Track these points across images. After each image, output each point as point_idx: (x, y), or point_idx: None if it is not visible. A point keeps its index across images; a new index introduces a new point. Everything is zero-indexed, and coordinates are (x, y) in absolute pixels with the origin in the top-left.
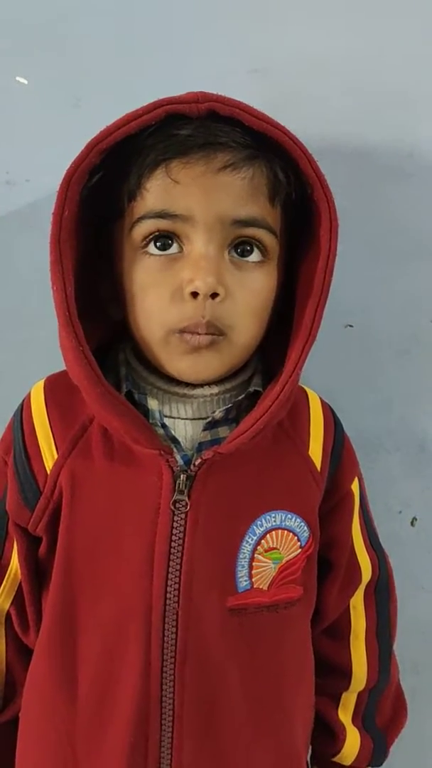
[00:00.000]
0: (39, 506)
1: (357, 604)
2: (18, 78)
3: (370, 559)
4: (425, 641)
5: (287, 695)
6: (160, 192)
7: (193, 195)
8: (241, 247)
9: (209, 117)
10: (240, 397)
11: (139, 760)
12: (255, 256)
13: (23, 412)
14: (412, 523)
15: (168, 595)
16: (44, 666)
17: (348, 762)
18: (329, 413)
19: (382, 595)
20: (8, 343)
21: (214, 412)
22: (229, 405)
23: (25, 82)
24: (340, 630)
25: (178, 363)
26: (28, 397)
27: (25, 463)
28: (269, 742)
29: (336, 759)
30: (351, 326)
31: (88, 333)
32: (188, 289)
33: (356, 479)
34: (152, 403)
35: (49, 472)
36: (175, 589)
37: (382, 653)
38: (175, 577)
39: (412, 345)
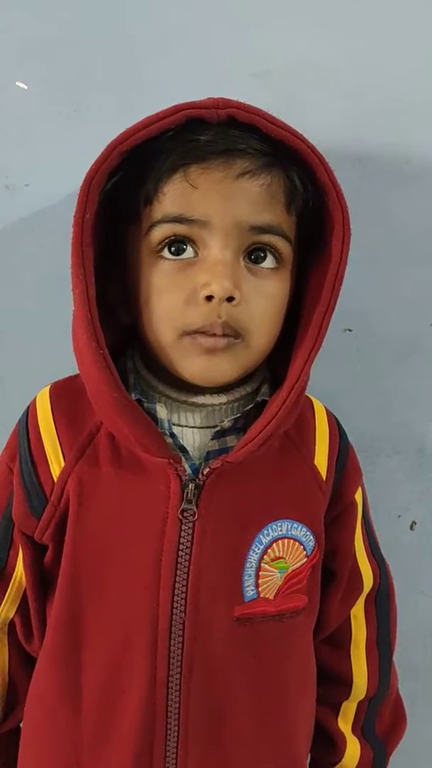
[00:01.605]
0: (45, 514)
1: (358, 613)
2: (17, 83)
3: (372, 568)
4: (425, 646)
5: (291, 704)
6: (177, 196)
7: (211, 200)
8: (256, 253)
9: (228, 123)
10: (248, 407)
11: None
12: (269, 262)
13: (29, 418)
14: (411, 527)
15: (175, 605)
16: (48, 675)
17: None
18: (334, 423)
19: (382, 604)
20: (8, 347)
21: (222, 421)
22: (238, 414)
23: (25, 87)
24: (341, 639)
25: (190, 365)
26: (33, 403)
27: (32, 470)
28: (273, 751)
29: None
30: (350, 330)
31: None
32: (204, 292)
33: (359, 489)
34: (161, 412)
35: (56, 479)
36: (182, 599)
37: (383, 662)
38: (182, 586)
39: (411, 349)
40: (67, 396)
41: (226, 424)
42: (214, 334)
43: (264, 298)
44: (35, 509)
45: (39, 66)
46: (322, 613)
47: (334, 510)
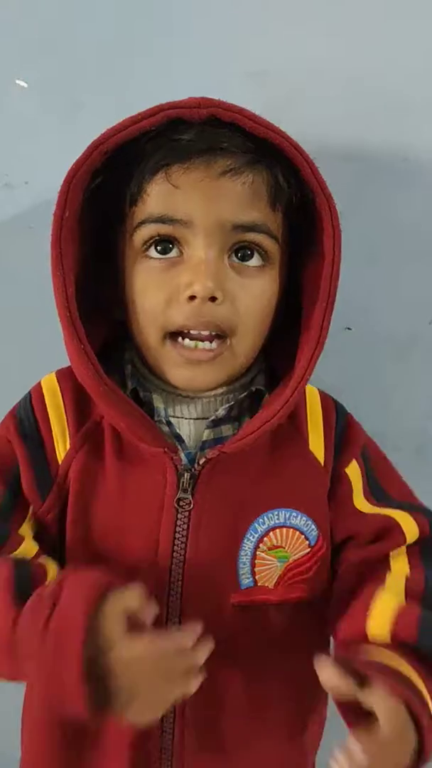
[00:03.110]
0: (51, 495)
1: (399, 555)
2: (17, 81)
3: (413, 518)
4: None
5: (296, 698)
6: (160, 197)
7: (193, 200)
8: (242, 251)
9: (210, 122)
10: (242, 396)
11: (141, 755)
12: (255, 260)
13: (33, 401)
14: None
15: (171, 592)
16: None
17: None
18: (329, 403)
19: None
20: (8, 344)
21: (217, 410)
22: (232, 403)
23: (25, 85)
24: (371, 573)
25: (174, 374)
26: (39, 387)
27: (40, 449)
28: (275, 745)
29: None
30: (350, 329)
31: (93, 331)
32: (186, 292)
33: (353, 462)
34: (158, 401)
35: (60, 461)
36: (178, 587)
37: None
38: (178, 575)
39: (411, 347)
40: (72, 382)
41: (221, 412)
42: (199, 340)
43: (250, 297)
44: (42, 488)
45: (39, 64)
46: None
47: (330, 486)
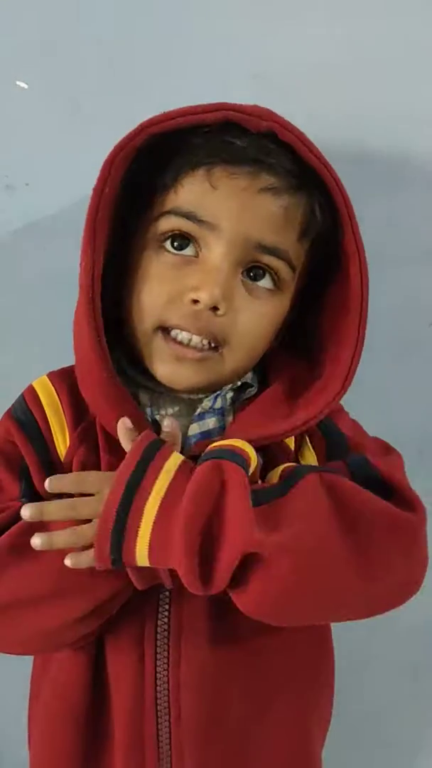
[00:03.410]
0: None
1: None
2: (18, 82)
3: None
4: (425, 645)
5: (299, 696)
6: (195, 192)
7: (227, 206)
8: (254, 271)
9: (265, 135)
10: (227, 388)
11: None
12: (267, 282)
13: (28, 402)
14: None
15: (161, 591)
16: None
17: None
18: None
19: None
20: (9, 346)
21: (201, 403)
22: (217, 394)
23: (26, 86)
24: None
25: (159, 366)
26: (32, 388)
27: (45, 448)
28: (278, 740)
29: None
30: None
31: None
32: (191, 295)
33: (304, 443)
34: (144, 397)
35: (63, 459)
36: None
37: None
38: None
39: (411, 349)
40: (67, 381)
41: (206, 404)
42: (187, 344)
43: (255, 316)
44: None
45: (40, 66)
46: None
47: None
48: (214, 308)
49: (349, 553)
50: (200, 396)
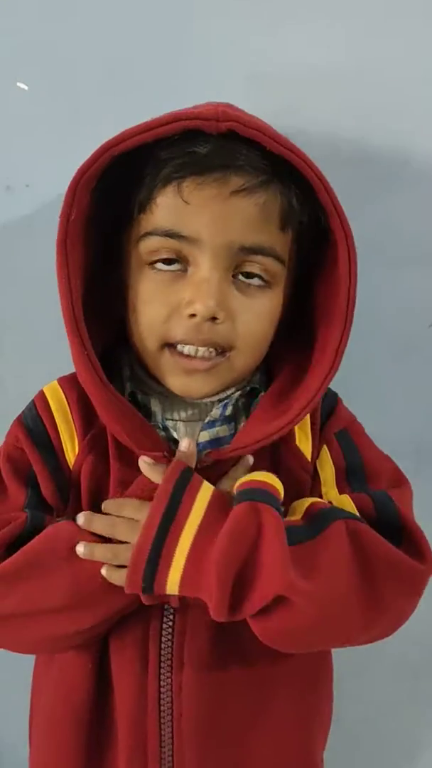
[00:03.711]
0: (72, 497)
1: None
2: (19, 84)
3: (355, 501)
4: (423, 647)
5: (299, 698)
6: (170, 210)
7: (202, 218)
8: (246, 271)
9: (228, 136)
10: (236, 394)
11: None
12: (259, 280)
13: (38, 409)
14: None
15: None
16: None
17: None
18: None
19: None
20: (9, 348)
21: (212, 411)
22: (226, 402)
23: (26, 88)
24: None
25: (171, 381)
26: (42, 394)
27: (54, 456)
28: (279, 742)
29: None
30: None
31: (94, 333)
32: (187, 310)
33: (323, 450)
34: (155, 405)
35: (72, 466)
36: None
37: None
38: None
39: (409, 350)
40: (77, 388)
41: (215, 412)
42: (194, 356)
43: (251, 316)
44: (63, 492)
45: (40, 67)
46: None
47: None
48: (213, 318)
49: (363, 601)
50: (212, 399)
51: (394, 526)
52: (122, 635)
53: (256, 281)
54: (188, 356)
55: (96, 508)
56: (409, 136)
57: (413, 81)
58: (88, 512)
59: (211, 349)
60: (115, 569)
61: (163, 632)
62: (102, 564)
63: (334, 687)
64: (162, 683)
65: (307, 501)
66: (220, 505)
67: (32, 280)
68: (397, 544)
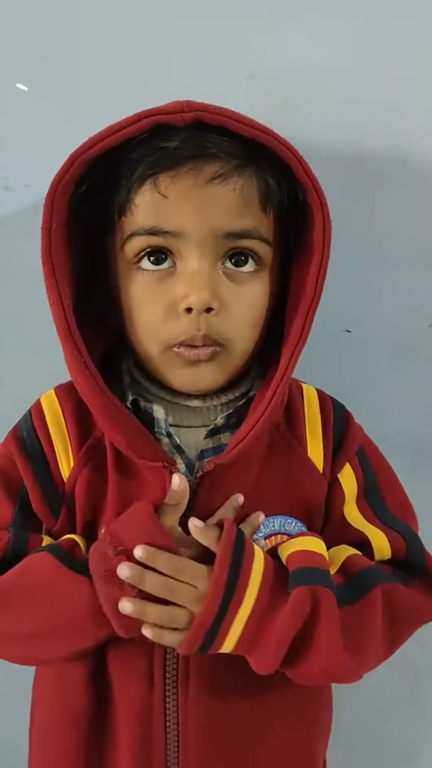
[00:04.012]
0: (62, 513)
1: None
2: (18, 84)
3: (389, 539)
4: (423, 646)
5: (299, 704)
6: (149, 208)
7: (183, 210)
8: (236, 257)
9: (197, 126)
10: (240, 403)
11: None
12: (249, 266)
13: (34, 419)
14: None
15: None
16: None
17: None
18: (328, 406)
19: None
20: (7, 349)
21: (215, 419)
22: (230, 410)
23: (25, 88)
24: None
25: (176, 376)
26: (39, 404)
27: (46, 469)
28: (279, 750)
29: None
30: (349, 331)
31: (91, 341)
32: (183, 305)
33: (347, 466)
34: (158, 411)
35: (66, 479)
36: None
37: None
38: None
39: (410, 350)
40: (72, 396)
41: (219, 421)
42: (197, 346)
43: (245, 303)
44: (54, 507)
45: (39, 67)
46: None
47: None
48: (208, 309)
49: (386, 649)
50: (216, 403)
51: (419, 567)
52: (122, 642)
53: (246, 268)
54: (189, 346)
55: (91, 522)
56: (409, 136)
57: (413, 81)
58: (144, 570)
59: (209, 344)
60: (167, 631)
61: (168, 647)
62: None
63: (333, 686)
64: (167, 689)
65: (344, 552)
66: (271, 571)
67: (31, 280)
68: (414, 576)
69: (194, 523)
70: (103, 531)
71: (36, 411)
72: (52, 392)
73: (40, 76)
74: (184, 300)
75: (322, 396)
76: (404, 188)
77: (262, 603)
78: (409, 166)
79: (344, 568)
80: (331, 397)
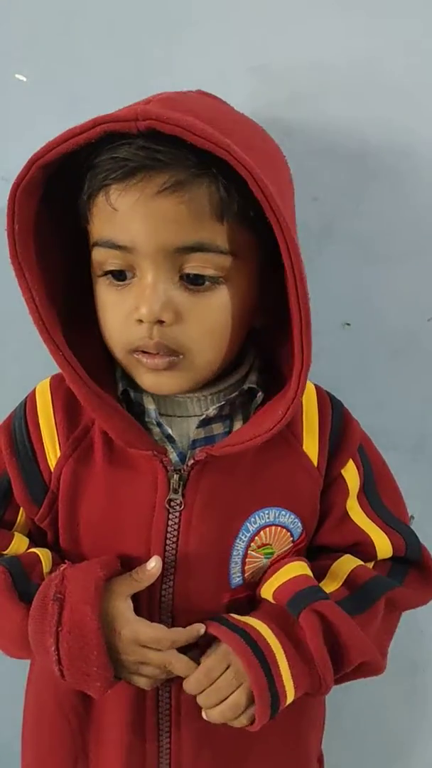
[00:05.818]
0: (46, 501)
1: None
2: (17, 75)
3: (390, 539)
4: (423, 641)
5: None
6: (103, 220)
7: (132, 224)
8: (193, 273)
9: (152, 135)
10: (233, 395)
11: (138, 745)
12: (206, 280)
13: (27, 409)
14: (409, 521)
15: (163, 593)
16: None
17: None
18: (325, 402)
19: (405, 569)
20: (6, 345)
21: (207, 409)
22: (222, 402)
23: (24, 79)
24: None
25: (142, 381)
26: (33, 394)
27: (31, 459)
28: (272, 749)
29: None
30: (349, 325)
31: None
32: (134, 316)
33: (350, 463)
34: (148, 402)
35: (52, 469)
36: (169, 587)
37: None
38: (170, 575)
39: (409, 344)
40: (63, 387)
41: (211, 412)
42: (153, 354)
43: (202, 316)
44: (36, 497)
45: (38, 58)
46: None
47: (324, 485)
48: (160, 321)
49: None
50: (204, 394)
51: (419, 564)
52: None
53: (204, 282)
54: (149, 354)
55: (72, 509)
56: (411, 130)
57: (414, 75)
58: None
59: (164, 353)
60: (243, 714)
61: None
62: None
63: None
64: (159, 689)
65: (350, 564)
66: (280, 624)
67: None
68: (409, 566)
69: (172, 658)
70: (63, 568)
71: (30, 400)
72: (46, 382)
73: (39, 67)
74: (136, 311)
75: (320, 392)
76: (404, 182)
77: (294, 656)
78: (411, 158)
79: (350, 581)
80: (328, 393)
